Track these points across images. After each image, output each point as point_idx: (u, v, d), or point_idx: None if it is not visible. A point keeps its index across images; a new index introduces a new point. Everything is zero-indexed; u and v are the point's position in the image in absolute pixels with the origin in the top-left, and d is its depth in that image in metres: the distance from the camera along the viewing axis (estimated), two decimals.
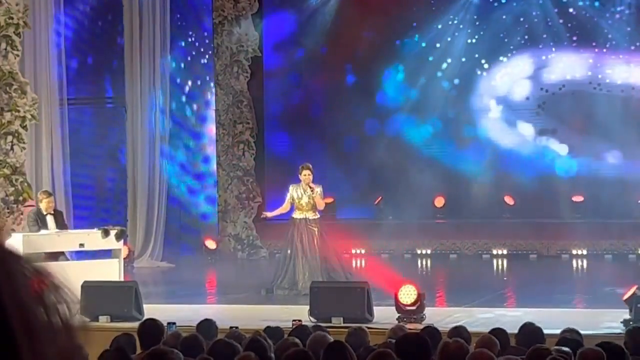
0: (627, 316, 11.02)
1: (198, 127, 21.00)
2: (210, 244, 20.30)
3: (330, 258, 14.34)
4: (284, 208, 14.57)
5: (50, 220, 14.11)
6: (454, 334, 7.91)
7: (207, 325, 8.98)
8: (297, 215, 14.39)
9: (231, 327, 9.55)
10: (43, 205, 14.15)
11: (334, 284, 13.04)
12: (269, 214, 15.14)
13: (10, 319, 1.00)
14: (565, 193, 20.14)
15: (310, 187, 14.25)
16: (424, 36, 21.36)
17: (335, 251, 14.61)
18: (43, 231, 13.74)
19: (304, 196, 14.26)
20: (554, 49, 20.80)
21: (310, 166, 14.41)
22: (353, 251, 19.98)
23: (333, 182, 21.60)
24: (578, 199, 20.15)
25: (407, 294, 11.67)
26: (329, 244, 14.42)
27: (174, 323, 10.26)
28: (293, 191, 14.39)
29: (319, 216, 14.44)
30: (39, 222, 13.90)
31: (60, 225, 14.32)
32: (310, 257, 14.15)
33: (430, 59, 21.30)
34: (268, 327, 8.89)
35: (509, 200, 20.54)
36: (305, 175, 14.29)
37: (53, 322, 1.04)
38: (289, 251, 14.43)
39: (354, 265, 18.33)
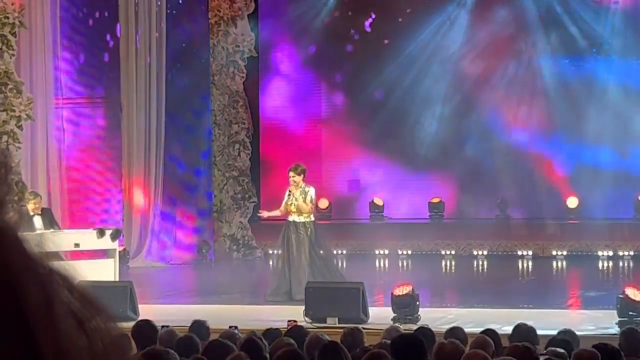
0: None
1: (194, 127, 20.95)
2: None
3: (317, 263, 13.88)
4: (280, 210, 14.17)
5: (37, 220, 14.06)
6: (450, 335, 7.91)
7: (198, 326, 8.98)
8: (289, 218, 14.06)
9: (230, 327, 9.55)
10: (30, 206, 14.09)
11: (330, 284, 12.98)
12: (265, 214, 14.85)
13: (40, 345, 0.92)
14: (560, 193, 20.15)
15: (290, 190, 13.91)
16: (416, 35, 21.34)
17: (327, 255, 14.21)
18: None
19: (292, 199, 13.96)
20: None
21: (298, 167, 13.99)
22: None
23: (328, 184, 21.65)
24: (573, 203, 20.14)
25: (401, 289, 11.75)
26: (320, 248, 14.01)
27: (168, 326, 10.21)
28: (286, 194, 14.10)
29: (312, 219, 14.02)
30: (25, 222, 13.81)
31: (50, 223, 14.26)
32: (297, 263, 13.75)
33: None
34: (269, 329, 8.89)
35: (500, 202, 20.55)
36: (289, 177, 13.98)
37: (93, 346, 0.95)
38: (281, 256, 14.15)
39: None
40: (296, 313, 11.63)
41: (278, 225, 14.78)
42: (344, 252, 20.02)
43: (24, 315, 0.92)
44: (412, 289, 11.80)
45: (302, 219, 13.93)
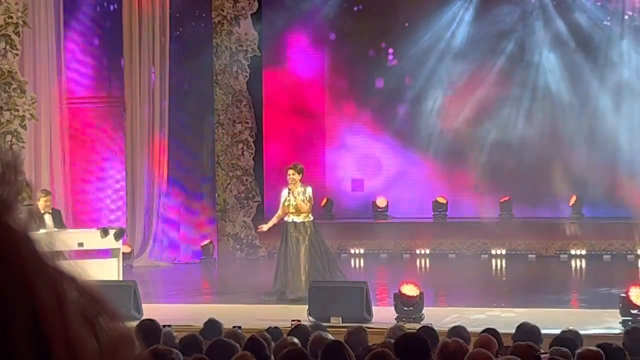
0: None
1: (197, 127, 20.96)
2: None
3: (317, 263, 13.79)
4: (278, 216, 14.10)
5: (48, 219, 14.10)
6: (452, 334, 7.92)
7: (212, 325, 9.00)
8: (287, 218, 13.95)
9: (234, 327, 9.56)
10: (41, 204, 14.12)
11: (333, 283, 12.98)
12: (265, 227, 14.57)
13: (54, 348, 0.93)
14: (563, 193, 20.15)
15: (289, 189, 13.86)
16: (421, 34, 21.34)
17: (327, 255, 14.08)
18: (41, 230, 13.67)
19: (291, 198, 13.88)
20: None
21: (298, 166, 13.94)
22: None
23: (332, 183, 21.67)
24: (571, 201, 20.13)
25: (410, 290, 11.75)
26: (320, 247, 13.92)
27: (169, 326, 10.21)
28: (283, 195, 14.02)
29: (311, 219, 13.94)
30: (36, 220, 13.86)
31: (59, 224, 14.30)
32: (297, 263, 13.70)
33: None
34: (270, 327, 8.90)
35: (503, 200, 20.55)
36: (289, 175, 13.87)
37: (102, 346, 0.97)
38: (281, 256, 14.05)
39: None
40: (300, 312, 11.63)
41: (281, 225, 14.78)
42: (348, 251, 20.00)
43: (37, 316, 0.92)
44: (418, 289, 11.80)
45: (301, 218, 13.86)
